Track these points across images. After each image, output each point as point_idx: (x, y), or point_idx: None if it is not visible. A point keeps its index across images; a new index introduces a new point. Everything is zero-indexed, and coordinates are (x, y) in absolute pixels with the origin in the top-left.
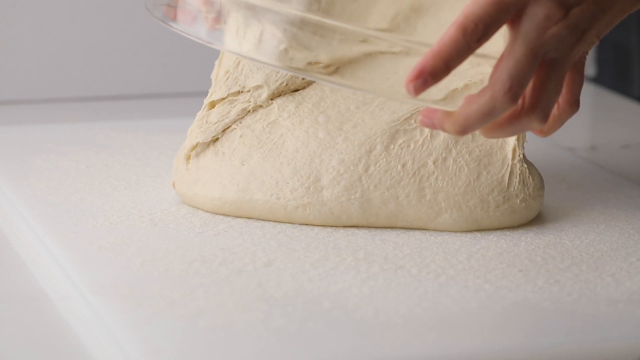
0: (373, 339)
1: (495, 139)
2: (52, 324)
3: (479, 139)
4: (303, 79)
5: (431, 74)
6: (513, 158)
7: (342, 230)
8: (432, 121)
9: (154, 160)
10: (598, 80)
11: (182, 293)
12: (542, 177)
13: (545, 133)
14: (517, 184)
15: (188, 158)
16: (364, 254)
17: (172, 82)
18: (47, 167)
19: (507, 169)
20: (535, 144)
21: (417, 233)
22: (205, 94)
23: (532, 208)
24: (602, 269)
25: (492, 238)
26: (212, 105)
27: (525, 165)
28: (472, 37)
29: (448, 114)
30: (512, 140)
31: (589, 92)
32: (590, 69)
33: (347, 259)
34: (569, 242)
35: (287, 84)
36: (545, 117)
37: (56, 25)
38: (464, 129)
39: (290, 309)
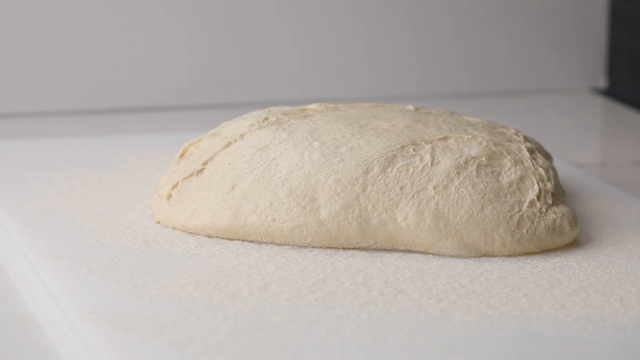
0: None
1: (508, 184)
2: (39, 351)
3: (484, 177)
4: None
5: None
6: (531, 207)
7: (341, 252)
8: None
9: (150, 177)
10: (610, 92)
11: (173, 319)
12: (577, 219)
13: None
14: (532, 230)
15: (169, 197)
16: (363, 277)
17: (170, 96)
18: (39, 184)
19: (517, 212)
20: None
21: (418, 255)
22: (203, 106)
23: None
24: (610, 294)
25: (497, 260)
26: (184, 153)
27: (554, 216)
28: None
29: None
30: (531, 193)
31: (599, 106)
32: (601, 81)
33: (346, 282)
34: (576, 265)
35: (267, 117)
36: None
37: (51, 38)
38: None
39: (285, 335)
